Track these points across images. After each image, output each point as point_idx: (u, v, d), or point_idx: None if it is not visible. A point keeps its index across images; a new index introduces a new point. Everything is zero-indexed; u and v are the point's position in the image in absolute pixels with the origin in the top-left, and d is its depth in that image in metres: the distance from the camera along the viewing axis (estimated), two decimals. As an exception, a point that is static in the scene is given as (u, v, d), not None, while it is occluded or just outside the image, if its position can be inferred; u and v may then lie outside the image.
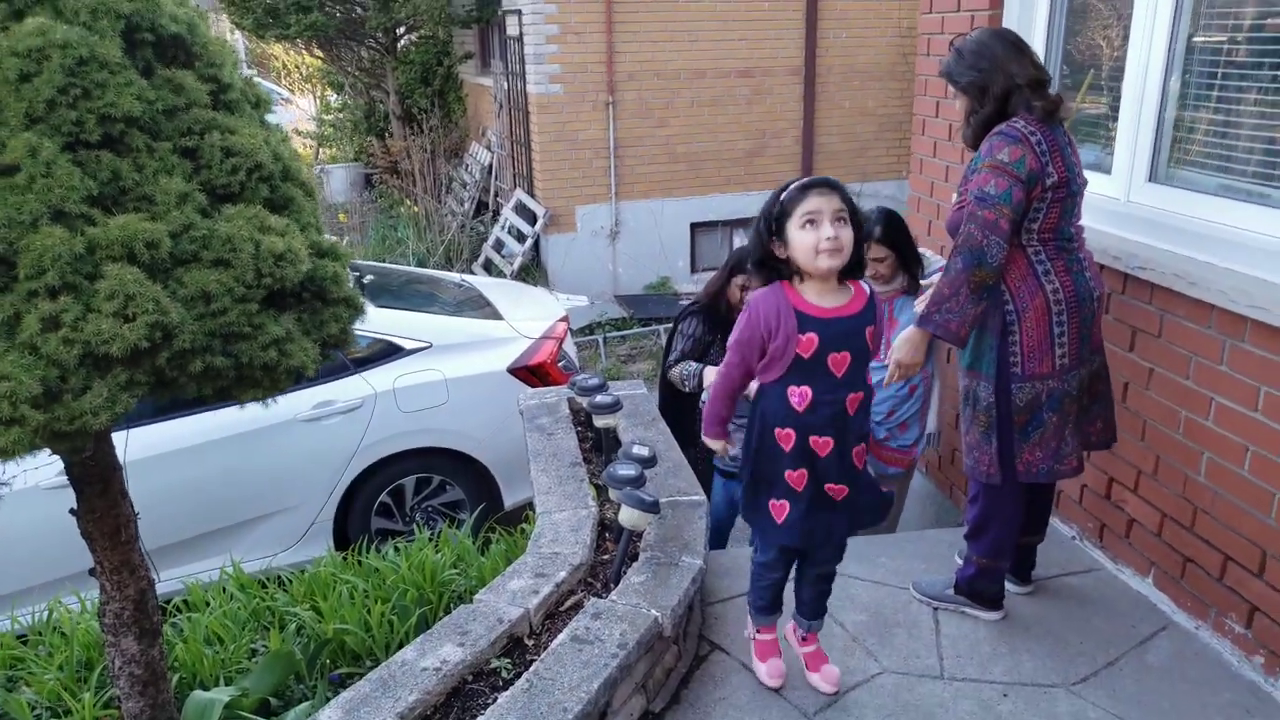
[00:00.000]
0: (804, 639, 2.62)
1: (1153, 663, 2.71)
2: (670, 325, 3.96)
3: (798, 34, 9.84)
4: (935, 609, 2.96)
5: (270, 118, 2.61)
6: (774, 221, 2.24)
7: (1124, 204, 3.12)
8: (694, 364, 3.69)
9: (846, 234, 2.20)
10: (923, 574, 3.12)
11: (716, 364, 3.57)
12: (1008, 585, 2.97)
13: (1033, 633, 2.85)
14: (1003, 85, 2.57)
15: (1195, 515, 2.82)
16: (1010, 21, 3.63)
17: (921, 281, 3.40)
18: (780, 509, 2.34)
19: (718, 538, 3.90)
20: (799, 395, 2.26)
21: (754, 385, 2.41)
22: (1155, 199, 3.02)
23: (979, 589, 2.89)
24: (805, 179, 2.27)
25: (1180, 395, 2.83)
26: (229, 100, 2.33)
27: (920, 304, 2.72)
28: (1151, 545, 3.01)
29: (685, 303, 3.96)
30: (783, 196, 2.24)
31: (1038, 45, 3.60)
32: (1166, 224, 2.94)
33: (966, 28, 3.80)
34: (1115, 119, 3.16)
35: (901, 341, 2.72)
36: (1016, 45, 2.64)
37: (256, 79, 2.66)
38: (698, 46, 9.57)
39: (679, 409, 3.90)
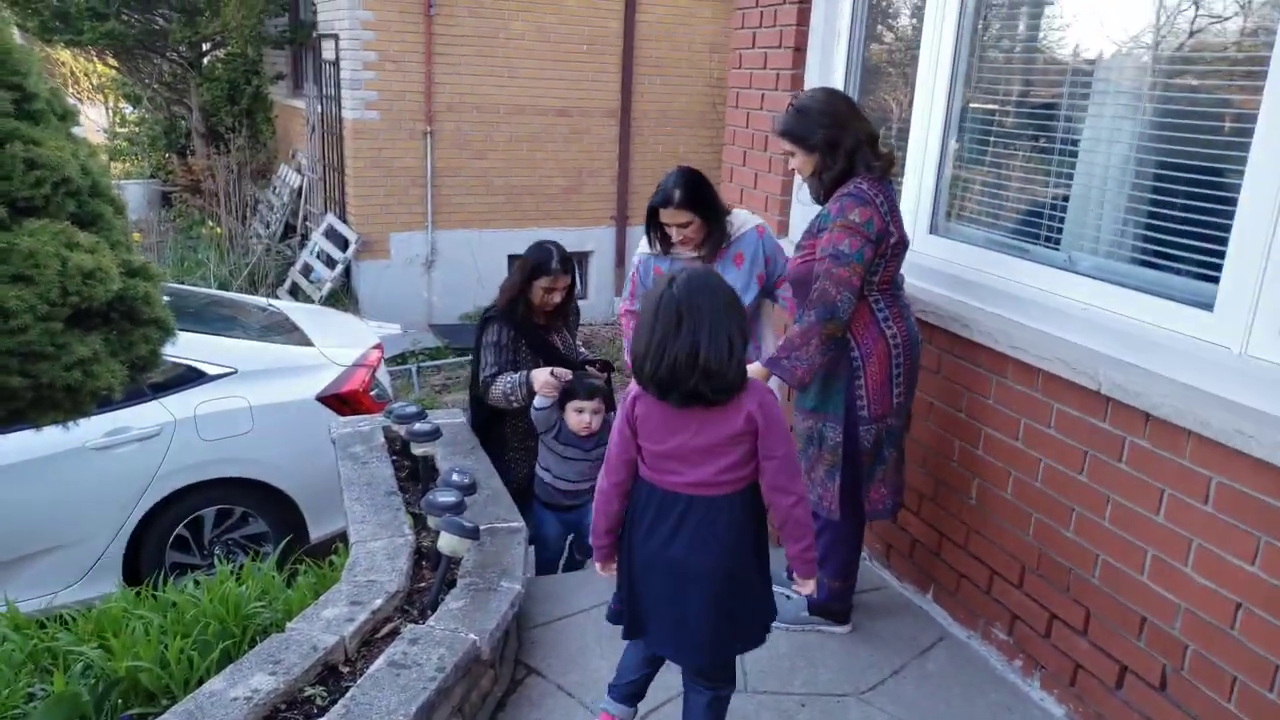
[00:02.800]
0: None
1: (932, 670, 2.97)
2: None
3: (614, 78, 10.16)
4: (788, 630, 3.10)
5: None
6: None
7: (910, 252, 3.44)
8: (514, 375, 3.52)
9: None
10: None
11: (526, 367, 3.54)
12: (828, 627, 3.16)
13: (828, 647, 3.06)
14: (850, 142, 2.72)
15: (968, 535, 3.12)
16: (811, 79, 3.94)
17: (731, 235, 3.32)
18: None
19: (548, 568, 3.75)
20: None
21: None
22: (934, 249, 3.35)
23: (833, 608, 3.10)
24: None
25: (956, 427, 3.14)
26: (34, 110, 2.23)
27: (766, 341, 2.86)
28: (932, 563, 3.31)
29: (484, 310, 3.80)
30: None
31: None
32: (944, 272, 3.26)
33: (772, 84, 4.09)
34: (901, 176, 3.49)
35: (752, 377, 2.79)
36: (853, 103, 2.88)
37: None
38: (517, 83, 9.70)
39: (496, 425, 3.75)
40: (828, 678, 2.89)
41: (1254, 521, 2.19)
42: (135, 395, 4.12)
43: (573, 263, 3.71)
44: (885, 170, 2.78)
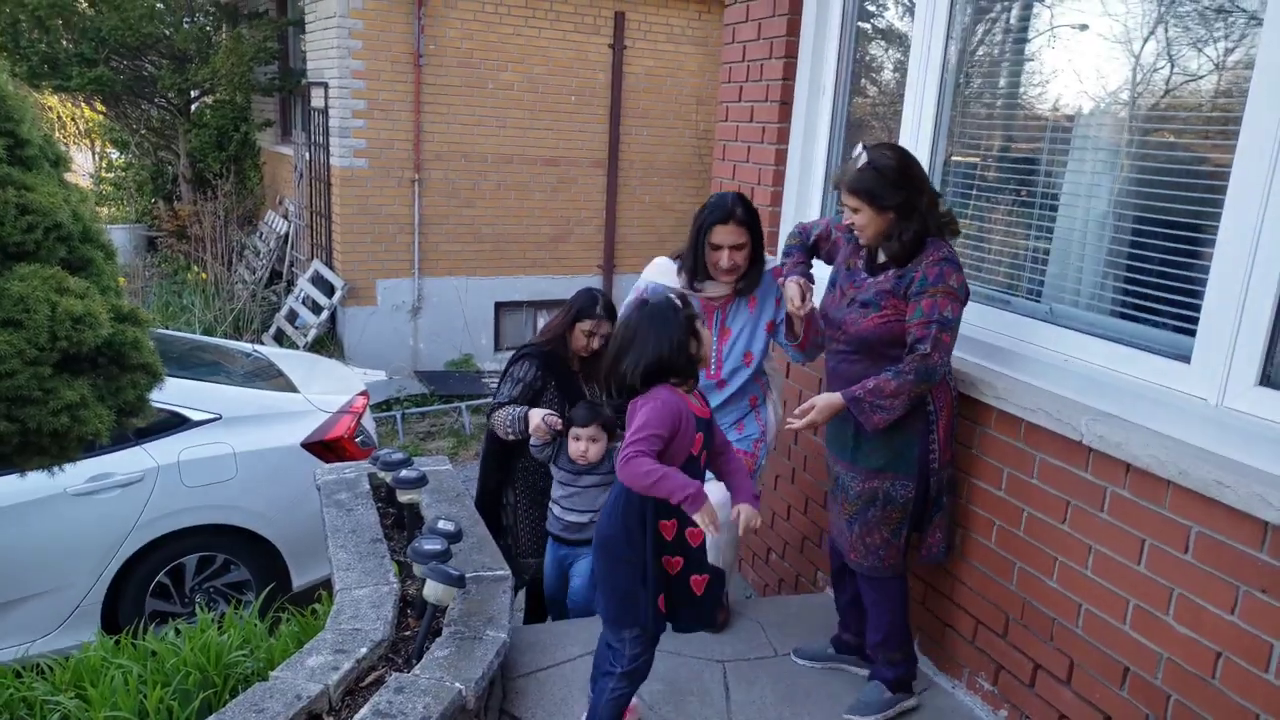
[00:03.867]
0: None
1: (914, 718, 2.96)
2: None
3: (602, 128, 10.30)
4: (725, 673, 3.09)
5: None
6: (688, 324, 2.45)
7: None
8: (518, 409, 3.49)
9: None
10: (801, 642, 3.29)
11: (550, 407, 3.52)
12: (855, 669, 3.17)
13: (814, 697, 3.04)
14: (924, 204, 2.72)
15: (953, 585, 3.13)
16: (797, 132, 4.02)
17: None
18: (661, 599, 2.49)
19: (554, 608, 3.69)
20: None
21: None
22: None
23: (908, 678, 3.02)
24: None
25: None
26: (26, 156, 2.25)
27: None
28: (917, 612, 3.30)
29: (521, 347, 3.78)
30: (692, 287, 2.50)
31: (819, 160, 4.00)
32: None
33: (758, 137, 4.17)
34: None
35: (826, 406, 2.73)
36: (920, 165, 2.83)
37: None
38: (505, 133, 9.82)
39: (505, 459, 3.74)
40: (813, 728, 2.88)
41: (1232, 571, 2.22)
42: (119, 441, 4.09)
43: (615, 310, 3.63)
44: (954, 231, 2.82)
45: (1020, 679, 2.88)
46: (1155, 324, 2.64)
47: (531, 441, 3.44)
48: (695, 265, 3.16)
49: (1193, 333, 2.45)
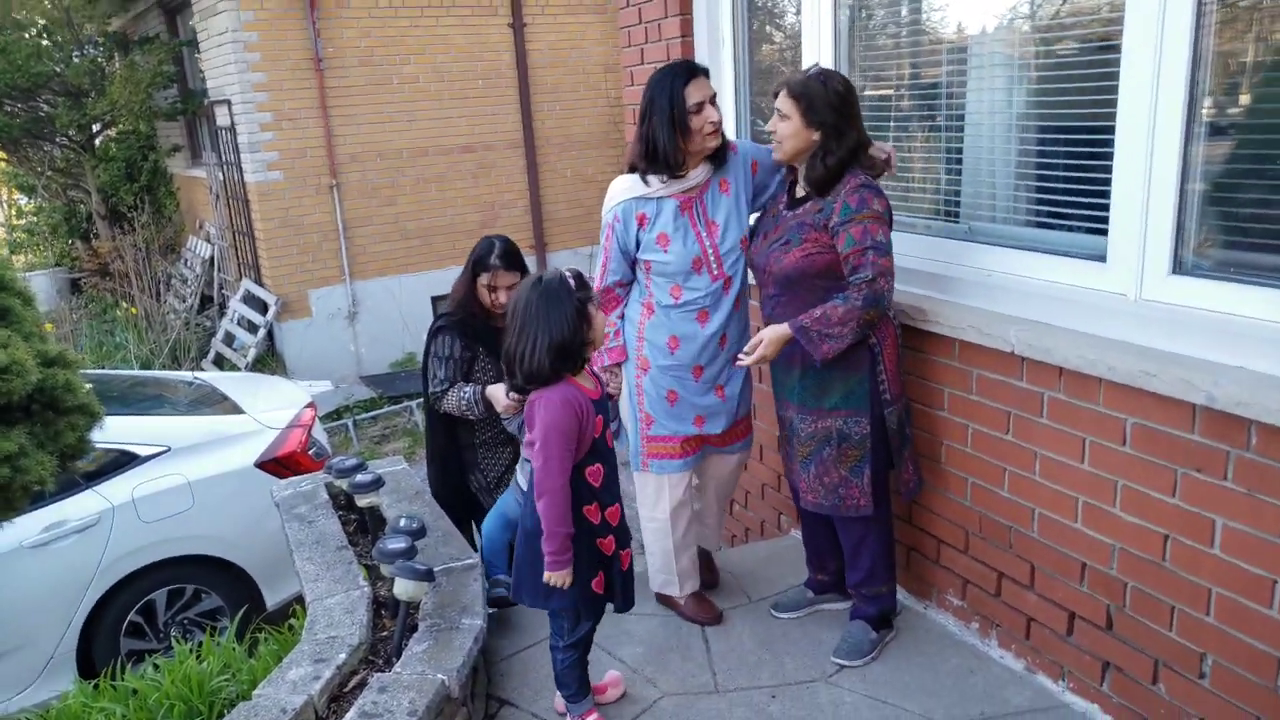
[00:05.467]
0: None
1: (892, 645, 3.04)
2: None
3: (513, 108, 10.22)
4: (751, 628, 3.14)
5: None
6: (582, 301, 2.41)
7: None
8: (469, 388, 3.34)
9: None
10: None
11: (484, 381, 3.37)
12: (833, 605, 3.24)
13: (791, 637, 3.12)
14: (853, 139, 2.70)
15: (910, 508, 3.21)
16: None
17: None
18: (599, 581, 2.53)
19: (497, 557, 3.40)
20: (593, 473, 2.48)
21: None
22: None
23: (889, 613, 3.07)
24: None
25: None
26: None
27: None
28: (881, 541, 3.39)
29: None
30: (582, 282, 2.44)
31: (727, 100, 4.01)
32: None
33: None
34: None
35: (774, 338, 2.68)
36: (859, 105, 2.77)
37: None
38: (417, 126, 9.71)
39: (452, 435, 3.59)
40: (793, 666, 2.95)
41: (1168, 455, 2.31)
42: (69, 486, 4.04)
43: (521, 259, 3.44)
44: (880, 173, 2.82)
45: (986, 590, 2.97)
46: (1069, 228, 2.71)
47: (503, 417, 3.32)
48: (673, 149, 2.85)
49: (1105, 232, 2.53)
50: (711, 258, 2.96)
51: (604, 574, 2.55)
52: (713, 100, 2.85)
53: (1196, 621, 2.32)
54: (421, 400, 8.46)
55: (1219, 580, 2.25)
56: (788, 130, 2.73)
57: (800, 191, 2.84)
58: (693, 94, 2.81)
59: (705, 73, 2.88)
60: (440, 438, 3.64)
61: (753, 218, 3.08)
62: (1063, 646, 2.73)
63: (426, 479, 3.80)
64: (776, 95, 2.78)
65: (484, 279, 3.36)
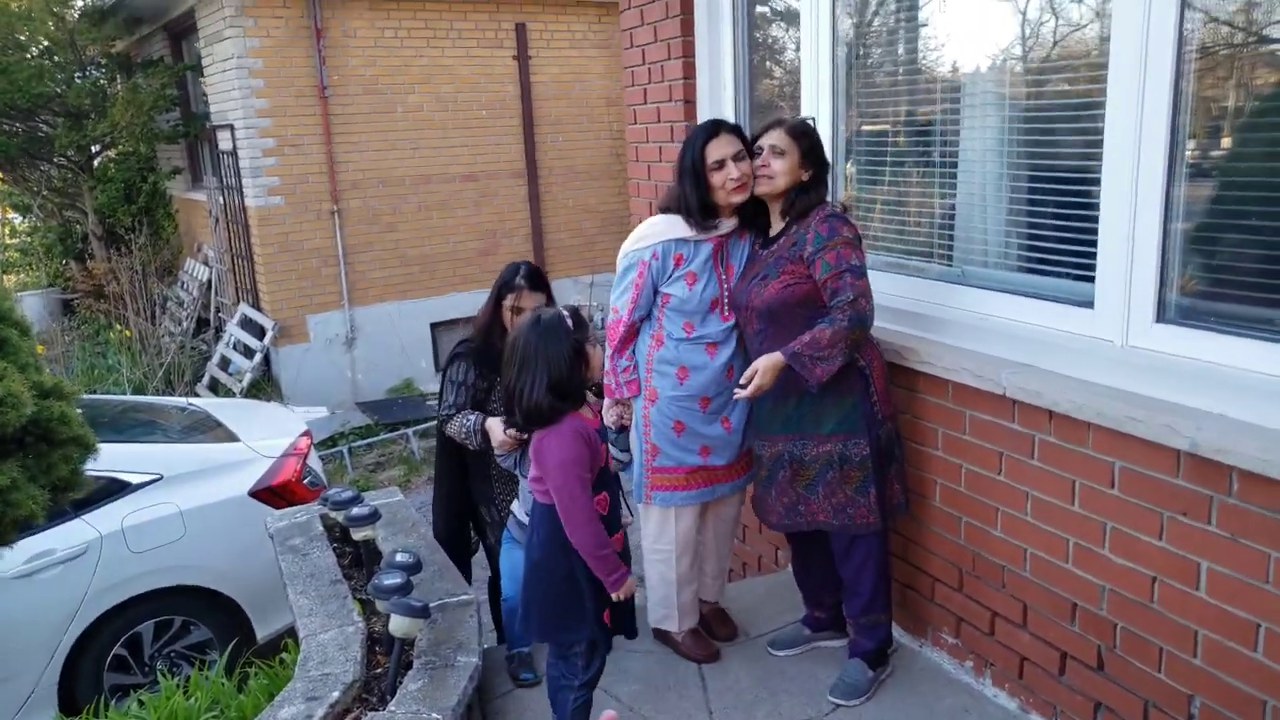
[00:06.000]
0: None
1: (888, 682, 3.04)
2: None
3: (517, 139, 10.31)
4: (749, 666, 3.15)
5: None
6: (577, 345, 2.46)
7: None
8: (473, 416, 3.30)
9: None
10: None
11: (497, 414, 3.27)
12: (831, 643, 3.24)
13: (788, 674, 3.11)
14: (827, 178, 2.92)
15: (906, 546, 3.22)
16: (702, 107, 4.07)
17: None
18: (606, 614, 2.55)
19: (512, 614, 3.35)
20: (600, 502, 2.50)
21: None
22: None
23: (886, 648, 3.06)
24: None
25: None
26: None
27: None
28: (874, 579, 3.39)
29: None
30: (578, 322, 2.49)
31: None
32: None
33: (668, 137, 4.22)
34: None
35: (769, 367, 2.71)
36: None
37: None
38: (420, 154, 9.78)
39: (461, 463, 3.59)
40: (790, 705, 2.95)
41: (1154, 499, 2.34)
42: (56, 515, 4.01)
43: (546, 281, 3.45)
44: (844, 208, 2.93)
45: (980, 629, 2.98)
46: (1059, 274, 2.75)
47: (497, 453, 3.26)
48: (697, 203, 2.93)
49: (1093, 279, 2.56)
50: (725, 300, 3.05)
51: (609, 608, 2.56)
52: (737, 156, 2.89)
53: (1184, 663, 2.33)
54: (417, 428, 8.52)
55: (1205, 623, 2.27)
56: (782, 167, 2.86)
57: (774, 230, 2.96)
58: (713, 151, 2.89)
59: (733, 129, 2.94)
60: (453, 462, 3.62)
61: None
62: (1055, 686, 2.73)
63: (427, 506, 3.79)
64: (766, 132, 2.91)
65: (509, 300, 3.35)
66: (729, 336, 3.06)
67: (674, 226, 3.00)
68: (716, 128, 2.94)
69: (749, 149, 2.93)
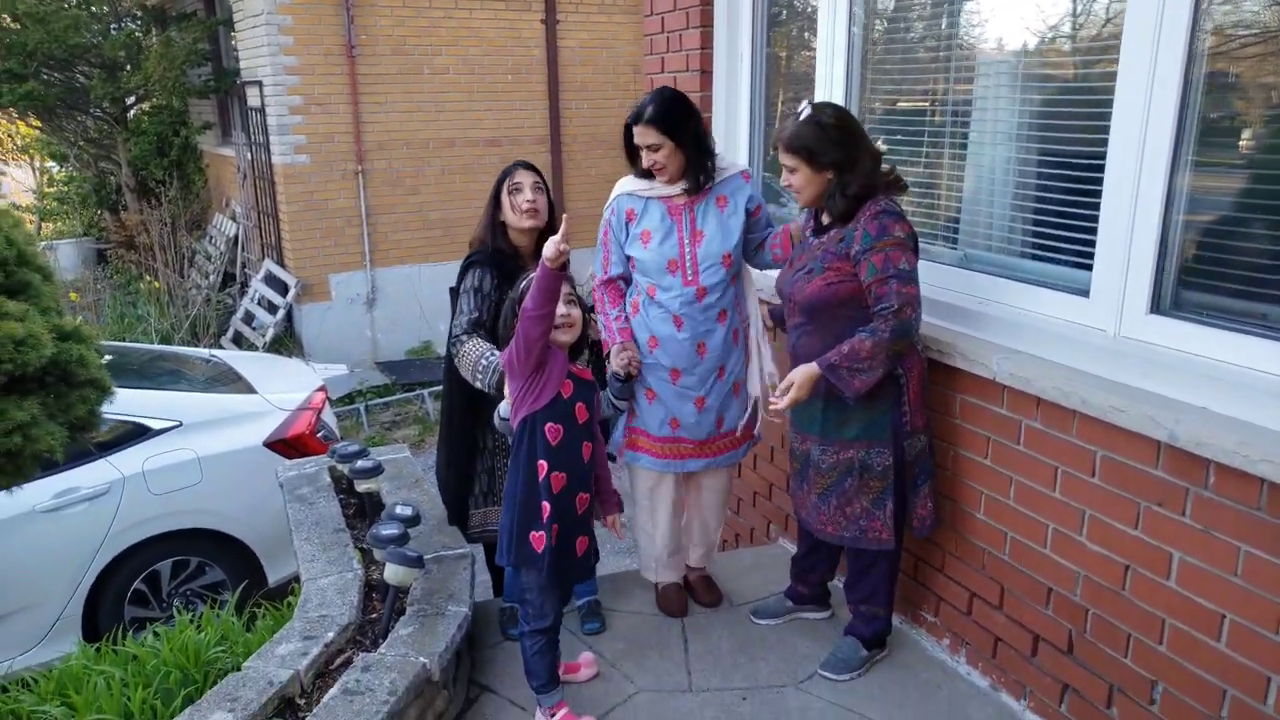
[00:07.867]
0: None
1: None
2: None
3: (542, 105, 10.33)
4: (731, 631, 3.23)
5: None
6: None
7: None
8: (491, 356, 2.99)
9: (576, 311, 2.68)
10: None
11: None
12: (812, 614, 3.33)
13: (767, 642, 3.20)
14: (868, 162, 2.69)
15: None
16: (719, 103, 4.13)
17: (716, 179, 3.09)
18: (539, 539, 2.59)
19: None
20: (551, 430, 2.57)
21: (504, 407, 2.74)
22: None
23: (883, 635, 3.08)
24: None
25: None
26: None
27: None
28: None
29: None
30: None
31: (742, 126, 4.11)
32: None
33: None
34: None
35: (804, 380, 2.68)
36: (859, 124, 2.79)
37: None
38: (445, 117, 9.83)
39: (469, 396, 3.19)
40: (767, 671, 3.04)
41: (1133, 489, 2.39)
42: (81, 455, 4.17)
43: (538, 172, 3.27)
44: (901, 188, 2.78)
45: (958, 609, 3.05)
46: (1058, 261, 2.79)
47: (500, 412, 2.92)
48: (635, 167, 3.12)
49: (1091, 267, 2.60)
50: (687, 262, 3.05)
51: (545, 535, 2.58)
52: (650, 146, 2.99)
53: (1150, 650, 2.40)
54: (433, 389, 8.60)
55: (1173, 612, 2.33)
56: (800, 181, 2.76)
57: (826, 219, 2.84)
58: (635, 135, 3.02)
59: (649, 120, 2.95)
60: (461, 398, 3.26)
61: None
62: (1026, 667, 2.80)
63: (432, 465, 3.72)
64: (776, 149, 2.81)
65: (507, 184, 3.18)
66: (691, 307, 3.04)
67: (629, 183, 3.18)
68: (638, 116, 2.98)
69: (682, 137, 2.98)
